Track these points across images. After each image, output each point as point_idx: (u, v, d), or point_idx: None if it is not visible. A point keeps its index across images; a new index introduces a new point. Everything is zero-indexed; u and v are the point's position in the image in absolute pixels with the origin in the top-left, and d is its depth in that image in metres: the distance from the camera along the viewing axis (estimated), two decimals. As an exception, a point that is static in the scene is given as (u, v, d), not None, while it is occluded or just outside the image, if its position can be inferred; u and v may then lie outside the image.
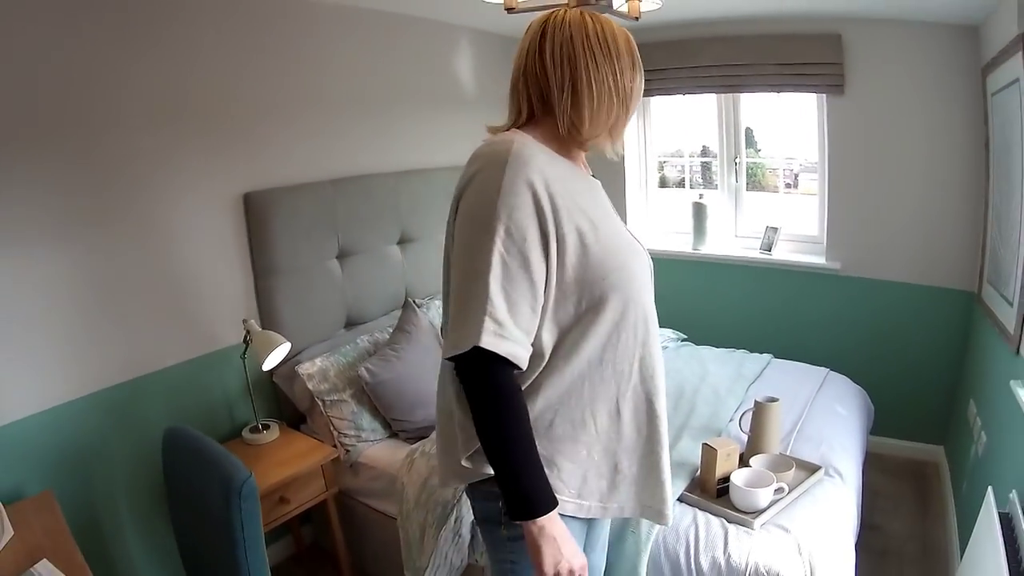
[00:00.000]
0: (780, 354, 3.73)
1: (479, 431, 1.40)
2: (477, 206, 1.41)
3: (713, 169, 4.84)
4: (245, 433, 3.02)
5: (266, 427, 3.05)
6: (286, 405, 3.29)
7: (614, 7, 2.35)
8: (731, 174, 4.61)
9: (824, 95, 3.94)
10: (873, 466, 3.59)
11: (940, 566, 3.08)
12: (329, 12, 3.38)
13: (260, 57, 3.09)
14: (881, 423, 3.61)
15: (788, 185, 4.63)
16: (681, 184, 5.12)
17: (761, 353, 3.73)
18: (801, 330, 4.27)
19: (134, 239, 2.71)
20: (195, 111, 2.85)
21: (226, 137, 2.98)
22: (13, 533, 2.11)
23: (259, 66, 3.09)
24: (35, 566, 1.93)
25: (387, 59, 3.75)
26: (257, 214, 3.05)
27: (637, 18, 2.49)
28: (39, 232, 2.43)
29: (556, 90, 1.47)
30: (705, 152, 4.95)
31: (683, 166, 5.09)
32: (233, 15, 2.95)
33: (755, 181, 4.69)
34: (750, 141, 4.62)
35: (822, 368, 3.46)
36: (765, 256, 4.35)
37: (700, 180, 5.01)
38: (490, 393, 1.37)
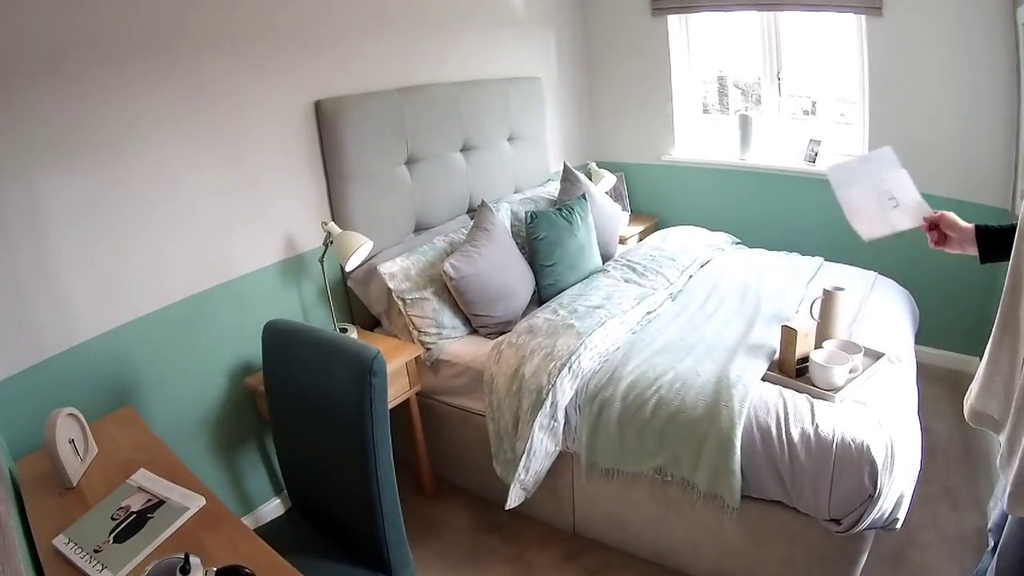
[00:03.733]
0: (828, 259, 3.77)
1: None
2: None
3: (730, 95, 4.91)
4: (323, 338, 3.04)
5: (343, 330, 3.07)
6: (359, 310, 3.33)
7: None
8: (772, 90, 4.59)
9: (863, 16, 3.88)
10: (914, 373, 3.64)
11: (983, 465, 3.16)
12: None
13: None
14: (922, 332, 3.63)
15: (805, 112, 4.62)
16: (706, 110, 5.14)
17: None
18: (846, 238, 4.20)
19: (211, 149, 2.71)
20: (263, 21, 2.83)
21: (295, 46, 2.97)
22: (98, 450, 2.11)
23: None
24: (132, 476, 1.92)
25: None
26: (328, 121, 3.05)
27: None
28: (122, 144, 2.43)
29: None
30: (722, 80, 4.98)
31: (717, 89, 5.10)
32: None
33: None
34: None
35: (871, 271, 3.48)
36: (809, 167, 4.34)
37: (718, 105, 5.04)
38: None
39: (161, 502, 1.79)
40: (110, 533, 1.69)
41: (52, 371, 2.33)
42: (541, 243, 3.34)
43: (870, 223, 2.05)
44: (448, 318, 3.09)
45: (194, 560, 1.31)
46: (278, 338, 2.08)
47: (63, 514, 1.82)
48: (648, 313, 3.10)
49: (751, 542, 2.43)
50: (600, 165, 4.73)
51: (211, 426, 2.85)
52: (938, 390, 3.76)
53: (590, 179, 4.23)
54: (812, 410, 2.27)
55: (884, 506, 2.11)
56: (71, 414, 2.01)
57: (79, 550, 1.64)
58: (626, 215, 4.67)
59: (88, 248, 2.38)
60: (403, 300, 3.03)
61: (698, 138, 5.00)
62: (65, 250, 2.32)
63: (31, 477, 2.04)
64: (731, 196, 4.73)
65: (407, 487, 2.13)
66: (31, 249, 2.24)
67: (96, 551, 1.63)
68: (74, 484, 1.94)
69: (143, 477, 1.91)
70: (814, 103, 4.58)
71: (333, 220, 3.14)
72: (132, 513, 1.76)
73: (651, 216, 5.06)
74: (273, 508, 3.15)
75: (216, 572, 1.34)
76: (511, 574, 2.77)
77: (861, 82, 4.02)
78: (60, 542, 1.68)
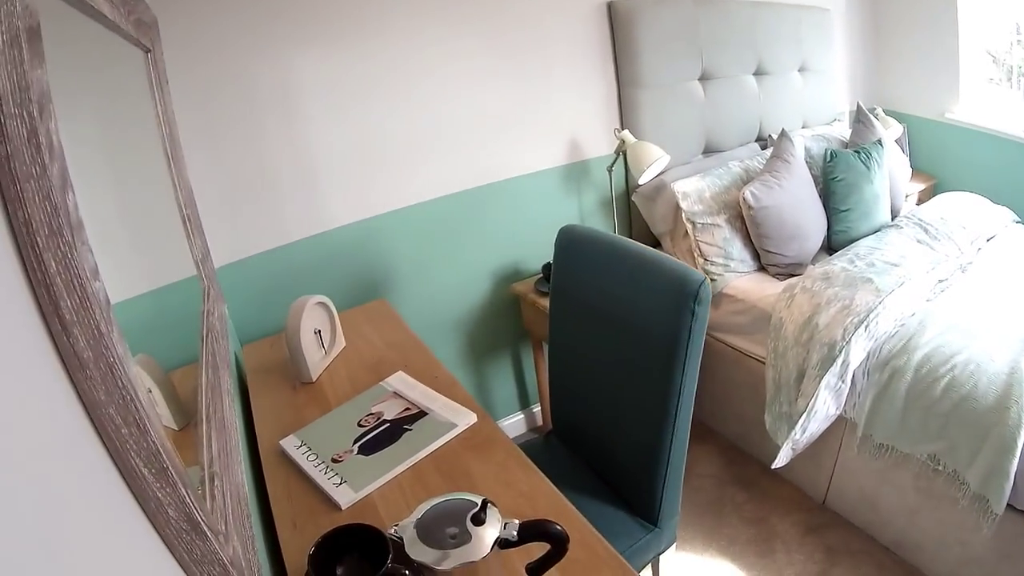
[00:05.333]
0: None
1: None
2: None
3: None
4: (601, 253, 2.90)
5: (620, 247, 2.90)
6: (639, 226, 3.16)
7: None
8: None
9: None
10: None
11: None
12: None
13: None
14: None
15: None
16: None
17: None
18: None
19: (496, 39, 2.58)
20: None
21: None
22: (345, 344, 1.98)
23: None
24: (388, 379, 1.74)
25: None
26: (622, 23, 2.87)
27: None
28: (396, 25, 2.33)
29: None
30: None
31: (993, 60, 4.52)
32: None
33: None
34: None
35: None
36: None
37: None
38: None
39: (422, 413, 1.59)
40: (354, 442, 1.51)
41: (296, 256, 2.28)
42: (839, 185, 3.04)
43: None
44: (737, 250, 2.86)
45: (492, 510, 1.05)
46: (575, 244, 1.89)
47: (295, 412, 1.68)
48: (940, 281, 2.76)
49: (996, 554, 2.14)
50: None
51: (465, 327, 2.77)
52: None
53: (876, 125, 3.88)
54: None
55: None
56: (321, 302, 1.88)
57: (313, 456, 1.47)
58: (909, 170, 4.28)
59: (344, 133, 2.30)
60: (693, 223, 2.82)
61: (983, 100, 4.49)
62: (316, 133, 2.24)
63: (262, 364, 1.93)
64: (1013, 169, 4.24)
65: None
66: (279, 130, 2.17)
67: (335, 460, 1.45)
68: (313, 379, 1.81)
69: (401, 381, 1.73)
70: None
71: (622, 128, 2.95)
72: (384, 422, 1.58)
73: (929, 176, 4.62)
74: (514, 424, 3.08)
75: (520, 526, 1.06)
76: (753, 537, 2.57)
77: None
78: (290, 444, 1.52)
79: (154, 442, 0.62)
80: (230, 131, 2.09)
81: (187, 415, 1.05)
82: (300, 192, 2.26)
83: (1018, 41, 4.14)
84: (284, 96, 2.16)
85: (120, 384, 0.58)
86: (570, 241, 1.91)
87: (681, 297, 1.53)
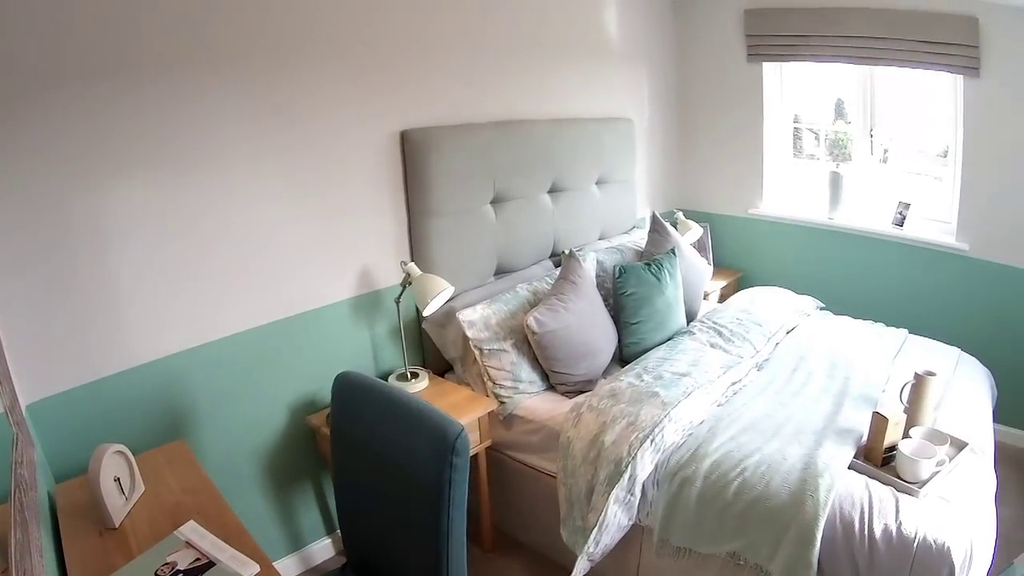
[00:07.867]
0: (911, 330, 3.51)
1: None
2: None
3: (804, 138, 4.74)
4: (392, 380, 2.91)
5: (415, 374, 2.93)
6: (431, 352, 3.18)
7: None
8: (864, 146, 4.38)
9: (960, 76, 3.69)
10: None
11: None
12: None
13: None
14: (1001, 410, 3.30)
15: (882, 162, 4.40)
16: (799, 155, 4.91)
17: (896, 327, 3.53)
18: (929, 308, 4.07)
19: (290, 173, 2.62)
20: (354, 43, 2.74)
21: (384, 69, 2.87)
22: (144, 489, 2.00)
23: (423, 2, 2.98)
24: (181, 528, 1.78)
25: (544, 7, 3.62)
26: (415, 153, 2.94)
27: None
28: (193, 158, 2.34)
29: None
30: (797, 120, 4.74)
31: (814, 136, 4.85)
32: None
33: (845, 154, 4.49)
34: (839, 112, 4.47)
35: (954, 348, 3.25)
36: (897, 231, 4.13)
37: (796, 150, 4.83)
38: None
39: (211, 564, 1.65)
40: (153, 592, 1.56)
41: (104, 392, 2.25)
42: (629, 299, 3.17)
43: None
44: (526, 372, 2.93)
45: None
46: (350, 392, 1.94)
47: (102, 558, 1.71)
48: (733, 383, 2.89)
49: (816, 635, 2.25)
50: (686, 214, 4.52)
51: (266, 461, 2.75)
52: (1006, 470, 3.47)
53: (676, 229, 4.05)
54: (896, 505, 2.11)
55: (956, 609, 1.95)
56: (119, 451, 1.90)
57: None
58: (710, 269, 4.48)
59: (150, 266, 2.29)
60: (480, 350, 2.88)
61: (787, 191, 4.80)
62: (125, 266, 2.23)
63: (72, 506, 1.95)
64: (817, 256, 4.53)
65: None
66: (90, 262, 2.15)
67: None
68: (116, 525, 1.83)
69: (192, 531, 1.77)
70: (886, 150, 4.38)
71: (412, 256, 3.04)
72: (178, 572, 1.62)
73: (735, 270, 4.86)
74: (323, 548, 3.03)
75: None
76: (565, 642, 2.58)
77: (955, 143, 3.82)
78: None
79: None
80: (42, 261, 2.05)
81: (6, 557, 1.08)
82: (108, 327, 2.23)
83: (839, 116, 4.45)
84: (96, 228, 2.15)
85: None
86: (346, 388, 1.94)
87: (441, 449, 1.59)
